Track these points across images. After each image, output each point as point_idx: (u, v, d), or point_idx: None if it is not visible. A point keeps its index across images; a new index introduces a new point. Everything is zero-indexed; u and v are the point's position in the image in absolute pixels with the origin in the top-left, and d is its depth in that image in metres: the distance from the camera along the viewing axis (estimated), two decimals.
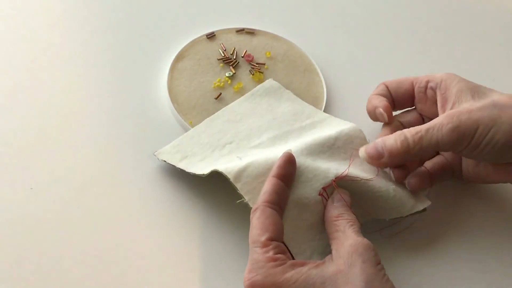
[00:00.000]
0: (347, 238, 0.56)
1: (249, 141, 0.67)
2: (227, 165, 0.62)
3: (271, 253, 0.54)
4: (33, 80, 0.73)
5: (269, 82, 0.74)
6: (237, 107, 0.71)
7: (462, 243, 0.66)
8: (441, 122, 0.62)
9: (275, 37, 0.80)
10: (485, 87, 0.65)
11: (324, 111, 0.73)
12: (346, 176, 0.62)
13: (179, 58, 0.76)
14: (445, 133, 0.61)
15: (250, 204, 0.59)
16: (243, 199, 0.60)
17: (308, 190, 0.61)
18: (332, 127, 0.69)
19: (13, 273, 0.59)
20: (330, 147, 0.65)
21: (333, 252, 0.56)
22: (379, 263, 0.55)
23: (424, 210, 0.65)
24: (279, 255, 0.55)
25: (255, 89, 0.73)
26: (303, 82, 0.76)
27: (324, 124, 0.70)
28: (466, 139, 0.61)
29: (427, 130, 0.62)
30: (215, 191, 0.65)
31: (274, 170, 0.60)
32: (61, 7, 0.81)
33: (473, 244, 0.67)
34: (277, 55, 0.78)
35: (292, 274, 0.53)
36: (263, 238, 0.55)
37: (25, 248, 0.60)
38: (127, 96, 0.73)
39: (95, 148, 0.68)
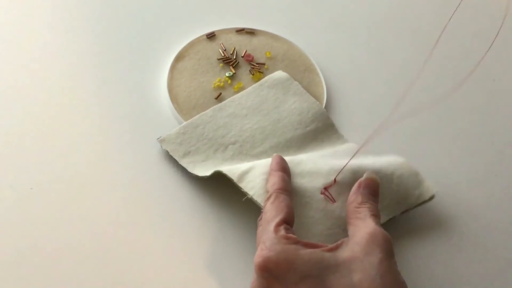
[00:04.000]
0: (367, 226, 0.56)
1: (252, 145, 0.68)
2: (230, 167, 0.64)
3: (283, 232, 0.55)
4: (33, 80, 0.73)
5: (278, 74, 0.74)
6: (244, 100, 0.72)
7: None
8: None
9: (275, 37, 0.80)
10: None
11: None
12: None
13: (179, 58, 0.76)
14: None
15: (255, 198, 0.61)
16: (247, 195, 0.61)
17: (309, 189, 0.62)
18: (331, 144, 0.70)
19: (13, 273, 0.59)
20: (332, 154, 0.67)
21: (350, 237, 0.56)
22: (393, 257, 0.55)
23: (432, 197, 0.66)
24: (291, 235, 0.55)
25: (263, 79, 0.74)
26: (303, 82, 0.76)
27: (324, 137, 0.70)
28: None
29: None
30: (216, 188, 0.65)
31: (274, 167, 0.62)
32: (62, 7, 0.81)
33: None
34: (277, 55, 0.78)
35: (306, 252, 0.53)
36: (277, 219, 0.56)
37: (25, 248, 0.60)
38: (127, 96, 0.73)
39: (95, 149, 0.68)
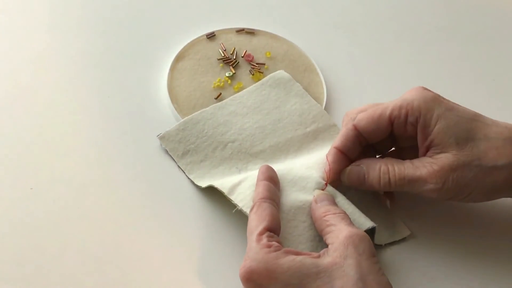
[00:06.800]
0: (342, 230, 0.56)
1: (251, 143, 0.68)
2: (223, 180, 0.64)
3: (265, 240, 0.55)
4: (33, 81, 0.73)
5: (280, 73, 0.75)
6: (245, 98, 0.72)
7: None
8: (425, 179, 0.60)
9: (275, 37, 0.80)
10: (468, 115, 0.62)
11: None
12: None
13: (179, 58, 0.76)
14: (428, 189, 0.61)
15: (244, 209, 0.61)
16: (237, 207, 0.62)
17: (301, 195, 0.63)
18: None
19: (13, 273, 0.59)
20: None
21: (329, 246, 0.56)
22: (374, 256, 0.55)
23: (403, 238, 0.65)
24: (273, 243, 0.55)
25: (265, 78, 0.74)
26: (303, 82, 0.76)
27: (326, 135, 0.71)
28: (448, 196, 0.62)
29: (410, 181, 0.61)
30: (216, 190, 0.65)
31: (259, 177, 0.62)
32: (61, 7, 0.81)
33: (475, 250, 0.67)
34: (277, 55, 0.78)
35: (286, 260, 0.53)
36: (260, 228, 0.56)
37: (25, 248, 0.60)
38: (127, 96, 0.73)
39: (95, 149, 0.68)
